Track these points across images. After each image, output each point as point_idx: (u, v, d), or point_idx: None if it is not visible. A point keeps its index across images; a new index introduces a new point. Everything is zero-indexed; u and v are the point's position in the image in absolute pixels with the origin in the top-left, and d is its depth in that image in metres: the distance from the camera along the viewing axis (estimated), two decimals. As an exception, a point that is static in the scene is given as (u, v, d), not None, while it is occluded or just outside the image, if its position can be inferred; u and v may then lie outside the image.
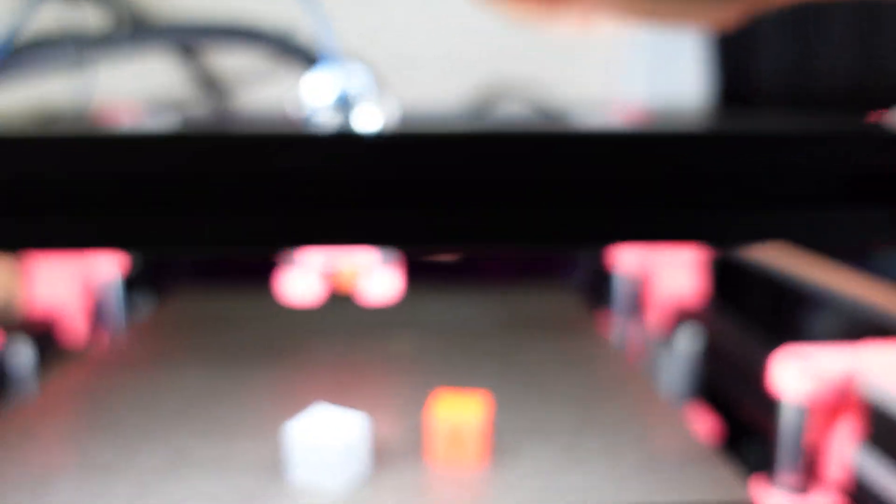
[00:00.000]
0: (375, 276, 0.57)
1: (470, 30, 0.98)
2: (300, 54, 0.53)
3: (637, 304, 0.77)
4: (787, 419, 0.42)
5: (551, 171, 0.28)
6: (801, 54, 0.90)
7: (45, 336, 0.65)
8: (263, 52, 0.52)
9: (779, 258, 0.59)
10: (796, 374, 0.41)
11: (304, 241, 0.35)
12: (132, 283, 0.85)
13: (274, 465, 0.40)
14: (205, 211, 0.29)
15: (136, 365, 0.55)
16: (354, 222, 0.29)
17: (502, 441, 0.43)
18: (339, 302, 0.75)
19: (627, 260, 0.74)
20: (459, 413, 0.41)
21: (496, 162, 0.28)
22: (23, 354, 0.54)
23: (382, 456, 0.41)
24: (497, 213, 0.29)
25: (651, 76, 0.96)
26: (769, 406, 0.51)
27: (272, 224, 0.29)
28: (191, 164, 0.27)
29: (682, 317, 0.68)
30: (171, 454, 0.41)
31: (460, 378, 0.52)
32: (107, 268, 0.70)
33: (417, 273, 0.90)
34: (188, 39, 0.51)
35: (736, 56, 0.94)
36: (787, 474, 0.42)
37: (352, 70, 0.54)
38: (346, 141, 0.30)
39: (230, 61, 0.95)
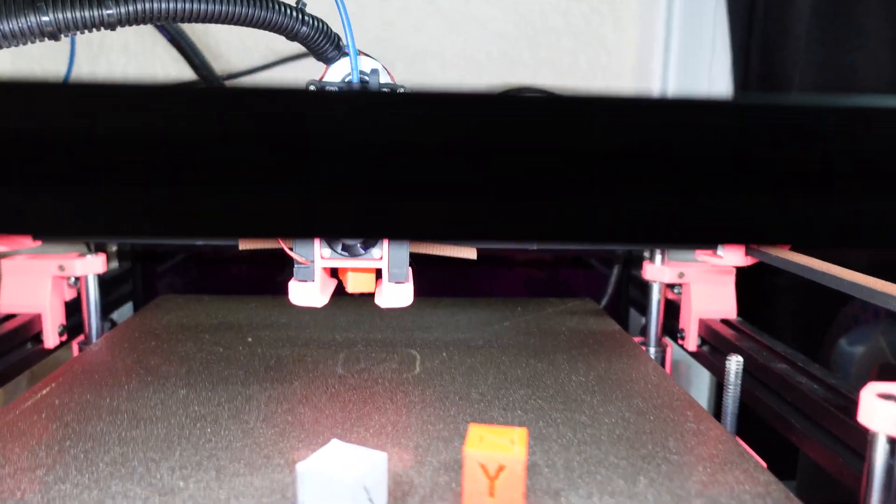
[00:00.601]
0: (390, 275, 0.50)
1: (490, 32, 0.92)
2: (332, 42, 0.47)
3: (671, 321, 0.71)
4: (878, 457, 0.36)
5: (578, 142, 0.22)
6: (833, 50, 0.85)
7: (12, 343, 0.58)
8: (295, 36, 0.46)
9: (822, 263, 0.53)
10: (892, 410, 0.35)
11: (312, 230, 0.29)
12: (113, 283, 0.78)
13: (275, 511, 0.33)
14: (195, 188, 0.22)
15: (116, 379, 0.48)
16: (370, 207, 0.23)
17: (542, 484, 0.36)
18: (350, 304, 0.69)
19: (660, 272, 0.67)
20: (495, 454, 0.34)
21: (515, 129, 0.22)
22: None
23: (403, 499, 0.34)
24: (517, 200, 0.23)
25: (680, 81, 0.90)
26: (844, 443, 0.45)
27: (275, 208, 0.23)
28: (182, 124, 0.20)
29: (725, 336, 0.62)
30: (152, 495, 0.34)
31: (490, 406, 0.45)
32: (84, 266, 0.63)
33: (434, 279, 0.83)
34: (215, 16, 0.44)
35: (765, 55, 0.88)
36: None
37: (369, 63, 0.48)
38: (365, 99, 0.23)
39: (226, 59, 0.89)
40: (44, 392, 0.45)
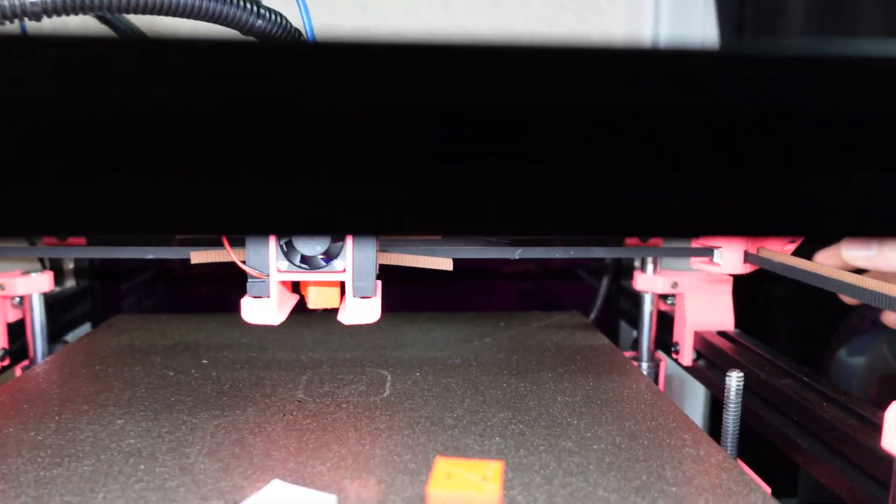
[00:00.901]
0: (354, 289, 0.45)
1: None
2: (291, 37, 0.43)
3: (665, 334, 0.66)
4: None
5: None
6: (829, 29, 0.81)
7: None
8: (250, 28, 0.42)
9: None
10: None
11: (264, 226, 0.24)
12: (68, 303, 0.73)
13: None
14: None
15: (47, 408, 0.43)
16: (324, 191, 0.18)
17: (524, 524, 0.31)
18: (319, 322, 0.64)
19: (653, 282, 0.63)
20: (464, 493, 0.30)
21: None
22: None
23: (361, 548, 0.30)
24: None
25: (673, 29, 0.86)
26: (856, 465, 0.40)
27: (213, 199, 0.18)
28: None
29: (723, 349, 0.57)
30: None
31: (465, 433, 0.41)
32: (28, 285, 0.58)
33: (413, 295, 0.79)
34: (157, 7, 0.40)
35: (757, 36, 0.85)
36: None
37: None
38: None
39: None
40: (-36, 425, 0.40)
